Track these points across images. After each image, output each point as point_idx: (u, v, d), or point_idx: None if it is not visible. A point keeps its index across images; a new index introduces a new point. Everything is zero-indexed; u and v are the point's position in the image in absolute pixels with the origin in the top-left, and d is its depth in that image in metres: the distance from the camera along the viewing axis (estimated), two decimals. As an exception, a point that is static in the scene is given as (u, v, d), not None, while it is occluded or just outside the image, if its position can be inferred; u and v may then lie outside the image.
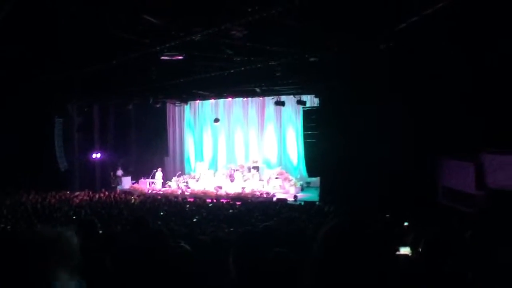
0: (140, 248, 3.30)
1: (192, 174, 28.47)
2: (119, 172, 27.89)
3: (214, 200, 21.02)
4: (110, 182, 27.31)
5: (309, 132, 20.57)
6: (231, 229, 11.47)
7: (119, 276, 2.99)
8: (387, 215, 13.80)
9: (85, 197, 21.01)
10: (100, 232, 8.82)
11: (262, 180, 25.60)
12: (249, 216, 14.65)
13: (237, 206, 18.61)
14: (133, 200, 20.34)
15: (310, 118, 20.59)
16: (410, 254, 3.42)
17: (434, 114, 15.72)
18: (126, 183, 27.64)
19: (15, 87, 18.58)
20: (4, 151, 21.40)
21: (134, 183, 27.64)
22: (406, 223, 11.35)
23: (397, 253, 3.46)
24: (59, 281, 0.97)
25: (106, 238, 6.72)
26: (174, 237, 6.49)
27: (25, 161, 22.11)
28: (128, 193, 24.46)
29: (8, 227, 12.27)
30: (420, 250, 3.24)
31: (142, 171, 27.98)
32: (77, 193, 22.50)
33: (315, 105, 21.77)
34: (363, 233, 1.72)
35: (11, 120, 21.78)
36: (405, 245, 3.59)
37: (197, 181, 26.50)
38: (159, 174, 27.08)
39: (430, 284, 2.65)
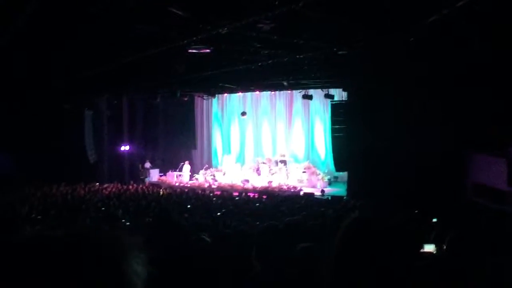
0: (160, 241, 3.32)
1: (219, 167, 28.60)
2: (147, 165, 28.22)
3: (242, 194, 21.08)
4: (139, 175, 27.66)
5: (337, 126, 20.42)
6: (257, 223, 11.50)
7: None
8: (415, 211, 13.64)
9: (114, 189, 21.32)
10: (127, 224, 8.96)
11: (290, 174, 25.55)
12: (276, 210, 14.64)
13: (263, 200, 18.64)
14: (161, 193, 20.54)
15: (338, 112, 20.44)
16: (434, 252, 3.36)
17: (464, 108, 15.43)
18: (154, 175, 27.93)
19: (46, 82, 18.92)
20: (35, 144, 21.87)
21: (162, 175, 27.92)
22: (434, 220, 11.19)
23: (422, 250, 3.40)
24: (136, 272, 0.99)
25: (131, 230, 6.83)
26: (199, 230, 6.54)
27: (56, 154, 22.52)
28: (156, 185, 24.73)
29: (39, 217, 12.55)
30: (445, 247, 3.19)
31: (169, 164, 28.26)
32: (106, 185, 22.85)
33: (343, 99, 21.58)
34: (381, 230, 1.70)
35: (41, 113, 22.24)
36: (430, 242, 3.53)
37: (224, 174, 26.59)
38: (186, 167, 27.25)
39: (454, 282, 2.61)
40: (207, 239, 4.21)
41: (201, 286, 2.91)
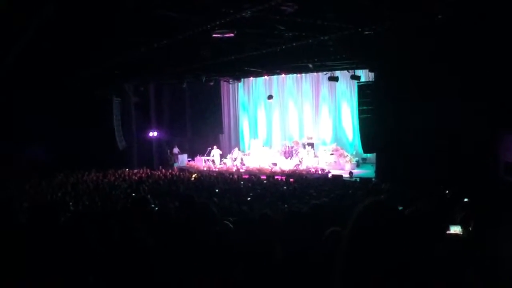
0: (183, 225, 3.35)
1: (247, 151, 28.70)
2: (175, 150, 28.52)
3: (269, 178, 21.13)
4: (167, 160, 27.97)
5: (364, 108, 20.21)
6: (285, 206, 11.54)
7: (160, 253, 3.05)
8: (446, 191, 13.48)
9: (143, 175, 21.62)
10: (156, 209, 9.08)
11: (317, 157, 25.49)
12: (304, 193, 14.64)
13: (291, 183, 18.65)
14: (193, 178, 20.74)
15: (365, 93, 20.21)
16: (460, 233, 3.31)
17: (497, 86, 15.07)
18: (182, 160, 28.22)
19: (74, 71, 19.20)
20: (66, 132, 22.27)
21: (190, 160, 28.17)
22: (465, 200, 11.03)
23: (447, 232, 3.36)
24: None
25: (159, 215, 6.92)
26: (225, 215, 6.59)
27: (86, 141, 22.90)
28: (185, 170, 24.97)
29: (71, 203, 12.83)
30: (471, 228, 3.13)
31: (197, 149, 28.47)
32: (135, 171, 23.19)
33: (370, 79, 21.32)
34: (396, 215, 1.70)
35: (71, 102, 22.60)
36: (456, 223, 3.47)
37: (252, 158, 26.67)
38: (215, 151, 27.38)
39: (480, 266, 2.58)
40: (230, 224, 4.23)
41: (221, 272, 2.93)
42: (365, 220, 1.71)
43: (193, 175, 21.49)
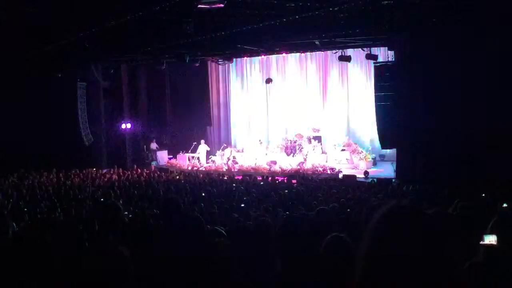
0: (168, 236, 3.38)
1: (241, 147, 28.70)
2: (153, 146, 28.50)
3: (267, 178, 21.16)
4: (143, 158, 27.96)
5: (382, 94, 20.23)
6: (287, 213, 11.57)
7: (141, 267, 3.08)
8: (482, 195, 13.56)
9: (114, 176, 21.63)
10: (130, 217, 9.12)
11: (325, 153, 25.52)
12: (310, 197, 14.67)
13: (294, 185, 18.67)
14: (177, 177, 20.77)
15: (383, 76, 20.23)
16: (495, 244, 3.32)
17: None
18: (162, 158, 28.21)
19: (30, 50, 19.14)
20: (18, 125, 22.23)
21: (171, 158, 28.16)
22: (505, 205, 11.09)
23: (481, 242, 3.38)
24: None
25: (134, 223, 6.96)
26: (214, 223, 6.62)
27: (44, 135, 22.86)
28: (164, 170, 24.97)
29: (25, 209, 12.83)
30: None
31: (180, 144, 28.44)
32: (104, 171, 23.20)
33: (389, 60, 21.35)
34: (420, 222, 1.72)
35: (24, 87, 22.55)
36: (491, 232, 3.48)
37: (246, 155, 26.67)
38: (202, 147, 27.34)
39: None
40: (223, 232, 4.26)
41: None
42: (385, 229, 1.74)
43: (176, 175, 21.55)
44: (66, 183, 19.17)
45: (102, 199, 14.96)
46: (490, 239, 3.38)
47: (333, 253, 3.16)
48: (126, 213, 10.39)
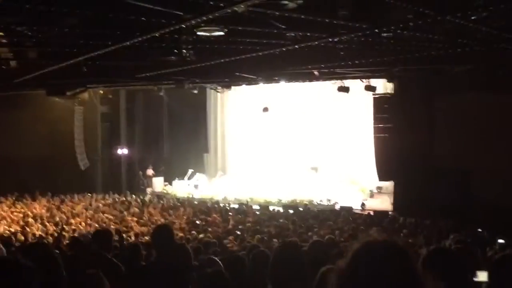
0: (159, 266, 3.34)
1: (237, 175, 28.63)
2: (150, 172, 28.41)
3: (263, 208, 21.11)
4: (139, 184, 27.86)
5: (381, 125, 20.30)
6: (280, 243, 11.50)
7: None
8: (479, 230, 13.55)
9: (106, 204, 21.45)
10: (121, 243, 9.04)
11: (322, 184, 25.45)
12: (305, 228, 14.62)
13: (291, 214, 18.62)
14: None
15: (381, 108, 20.33)
16: (487, 282, 3.27)
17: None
18: (158, 184, 28.10)
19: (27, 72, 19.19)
20: (17, 145, 22.27)
21: (167, 184, 28.07)
22: (501, 241, 11.06)
23: (474, 279, 3.34)
24: None
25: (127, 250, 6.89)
26: (207, 253, 6.55)
27: (40, 159, 22.86)
28: (159, 197, 24.89)
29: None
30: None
31: (176, 171, 28.37)
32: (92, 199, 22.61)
33: (388, 91, 21.44)
34: (403, 256, 1.73)
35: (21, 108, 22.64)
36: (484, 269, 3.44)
37: (242, 183, 26.61)
38: (200, 176, 27.29)
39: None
40: (218, 261, 4.22)
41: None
42: (359, 262, 1.77)
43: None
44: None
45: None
46: (483, 276, 3.34)
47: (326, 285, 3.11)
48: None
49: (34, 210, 19.01)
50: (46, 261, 3.44)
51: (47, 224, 16.00)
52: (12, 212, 18.62)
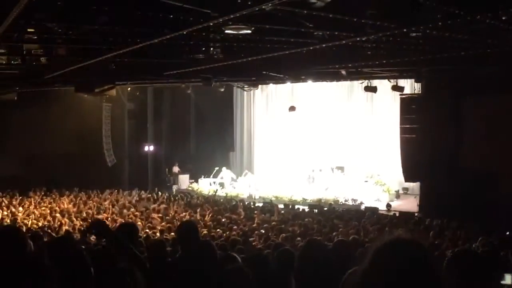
0: (184, 262, 3.36)
1: (263, 173, 28.63)
2: (176, 169, 28.54)
3: (288, 206, 21.09)
4: (165, 181, 28.01)
5: (408, 126, 20.13)
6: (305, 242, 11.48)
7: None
8: (507, 233, 13.40)
9: (132, 200, 21.62)
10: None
11: (348, 184, 25.34)
12: (329, 228, 14.57)
13: (315, 214, 18.58)
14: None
15: (409, 108, 20.16)
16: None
17: None
18: (184, 182, 28.21)
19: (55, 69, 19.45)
20: (45, 140, 22.57)
21: (193, 182, 28.17)
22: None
23: (502, 282, 3.29)
24: None
25: (152, 246, 6.94)
26: (231, 250, 6.56)
27: (67, 154, 23.14)
28: (185, 193, 24.99)
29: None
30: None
31: (202, 169, 28.45)
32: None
33: (416, 91, 21.25)
34: (426, 256, 1.73)
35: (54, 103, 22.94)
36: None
37: (268, 182, 26.61)
38: (225, 172, 27.37)
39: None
40: (239, 259, 4.22)
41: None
42: (382, 261, 1.76)
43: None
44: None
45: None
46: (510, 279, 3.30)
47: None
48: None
49: (61, 205, 19.27)
50: (71, 257, 3.48)
51: (74, 219, 16.23)
52: (40, 207, 18.90)
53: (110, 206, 19.20)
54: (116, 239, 4.26)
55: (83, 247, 5.24)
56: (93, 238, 9.52)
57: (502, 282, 3.31)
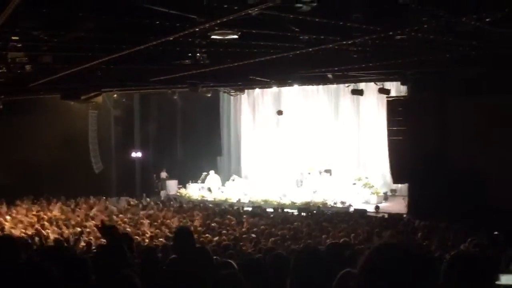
0: (180, 269, 3.36)
1: (251, 177, 28.62)
2: (163, 174, 28.49)
3: (277, 210, 21.10)
4: (153, 186, 27.94)
5: (395, 128, 20.22)
6: (297, 246, 11.49)
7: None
8: (495, 233, 13.46)
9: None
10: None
11: (336, 187, 25.39)
12: (319, 231, 14.61)
13: (304, 217, 18.59)
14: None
15: (396, 111, 20.24)
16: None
17: None
18: (172, 187, 28.17)
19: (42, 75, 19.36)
20: (32, 148, 22.45)
21: (181, 187, 28.13)
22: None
23: (497, 282, 3.31)
24: None
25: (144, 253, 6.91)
26: (222, 255, 6.55)
27: (54, 162, 23.02)
28: (173, 199, 24.95)
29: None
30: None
31: (190, 174, 28.42)
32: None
33: (402, 94, 21.36)
34: (415, 260, 1.75)
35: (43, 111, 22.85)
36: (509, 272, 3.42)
37: (256, 186, 26.61)
38: (212, 177, 27.37)
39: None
40: (232, 263, 4.22)
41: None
42: (374, 264, 1.78)
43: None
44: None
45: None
46: (506, 279, 3.32)
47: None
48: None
49: (49, 213, 19.14)
50: (70, 264, 3.47)
51: (63, 227, 16.13)
52: (27, 215, 18.75)
53: (99, 213, 19.11)
54: (120, 246, 4.27)
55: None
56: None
57: (497, 282, 3.33)
